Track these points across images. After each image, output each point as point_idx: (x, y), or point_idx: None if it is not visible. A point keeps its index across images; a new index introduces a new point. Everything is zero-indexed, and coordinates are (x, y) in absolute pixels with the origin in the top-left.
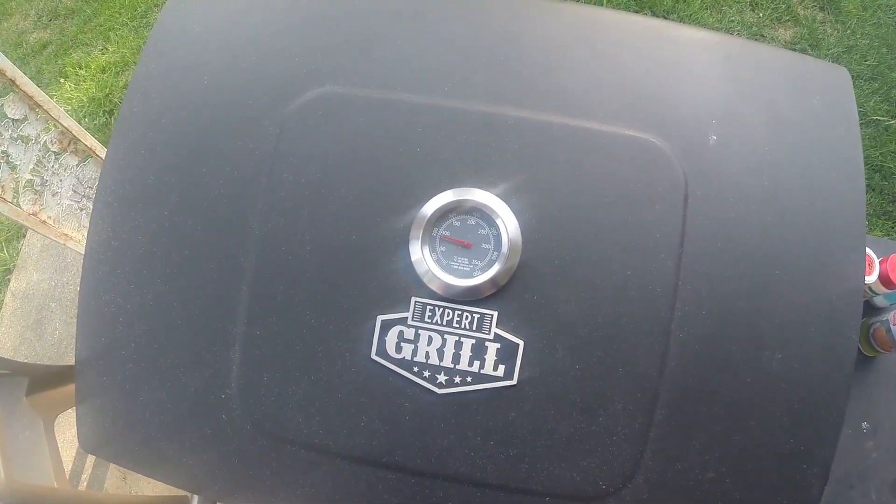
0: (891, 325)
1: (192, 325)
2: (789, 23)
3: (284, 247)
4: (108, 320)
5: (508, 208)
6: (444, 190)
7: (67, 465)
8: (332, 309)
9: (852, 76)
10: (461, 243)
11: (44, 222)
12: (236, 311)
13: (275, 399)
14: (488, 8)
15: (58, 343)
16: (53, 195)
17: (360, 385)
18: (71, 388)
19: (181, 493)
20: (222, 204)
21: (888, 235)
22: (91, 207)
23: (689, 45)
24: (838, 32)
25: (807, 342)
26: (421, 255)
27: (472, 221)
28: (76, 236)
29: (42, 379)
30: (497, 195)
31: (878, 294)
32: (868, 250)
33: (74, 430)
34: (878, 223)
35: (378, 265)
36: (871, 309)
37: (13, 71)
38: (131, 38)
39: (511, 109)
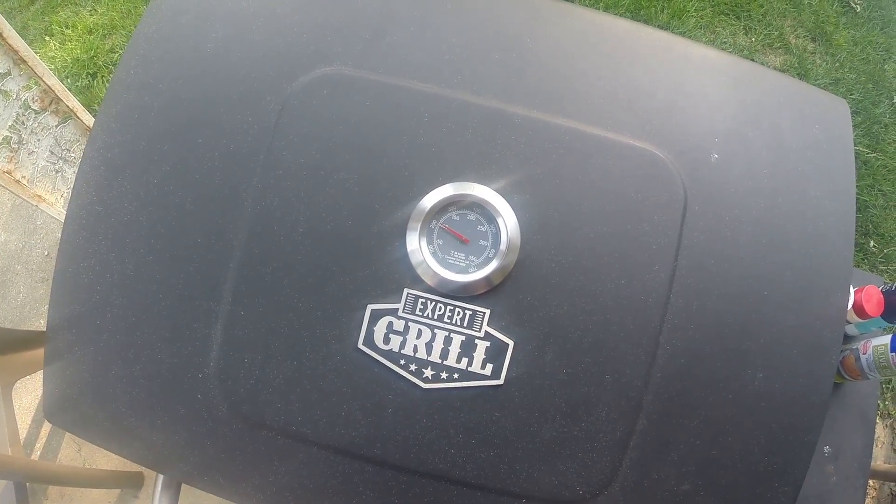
0: (860, 354)
1: (173, 299)
2: (780, 50)
3: (277, 226)
4: (85, 287)
5: (509, 206)
6: (446, 183)
7: (22, 433)
8: (321, 294)
9: None
10: (459, 237)
11: (17, 182)
12: (221, 289)
13: (254, 382)
14: (507, 5)
15: (21, 306)
16: (30, 154)
17: (344, 374)
18: (32, 354)
19: (136, 468)
20: (216, 177)
21: (859, 267)
22: (67, 171)
23: (700, 62)
24: (827, 64)
25: (789, 363)
26: (417, 247)
27: (471, 217)
28: (49, 198)
29: (2, 343)
30: (499, 192)
31: (850, 323)
32: None
33: (30, 398)
34: None
35: (372, 253)
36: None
37: (1, 23)
38: (121, 0)
39: (520, 108)
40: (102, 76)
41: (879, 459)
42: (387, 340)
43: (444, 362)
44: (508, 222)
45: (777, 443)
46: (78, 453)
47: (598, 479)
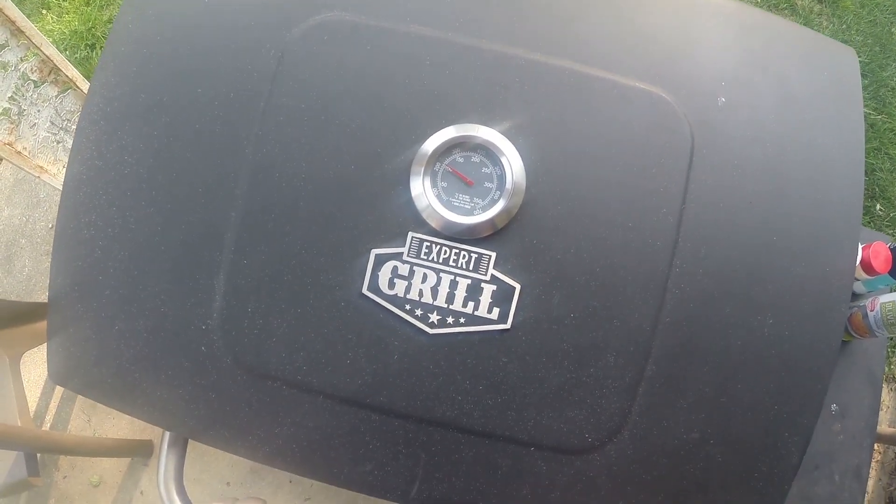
0: (868, 311)
1: (175, 251)
2: (786, 10)
3: (279, 174)
4: (87, 243)
5: (514, 148)
6: (450, 125)
7: (32, 406)
8: (324, 240)
9: None
10: (464, 179)
11: (19, 153)
12: (223, 238)
13: (258, 332)
14: None
15: (27, 280)
16: (31, 126)
17: (349, 321)
18: (39, 325)
19: (145, 436)
20: (216, 126)
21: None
22: (68, 141)
23: (706, 8)
24: (833, 26)
25: (798, 310)
26: (421, 190)
27: (476, 159)
28: (51, 169)
29: (9, 315)
30: (504, 134)
31: (858, 280)
32: None
33: (39, 370)
34: None
35: (376, 198)
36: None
37: None
38: None
39: (524, 51)
40: (101, 46)
41: (885, 423)
42: (391, 285)
43: (450, 306)
44: (513, 164)
45: (787, 391)
46: (88, 423)
47: (608, 426)
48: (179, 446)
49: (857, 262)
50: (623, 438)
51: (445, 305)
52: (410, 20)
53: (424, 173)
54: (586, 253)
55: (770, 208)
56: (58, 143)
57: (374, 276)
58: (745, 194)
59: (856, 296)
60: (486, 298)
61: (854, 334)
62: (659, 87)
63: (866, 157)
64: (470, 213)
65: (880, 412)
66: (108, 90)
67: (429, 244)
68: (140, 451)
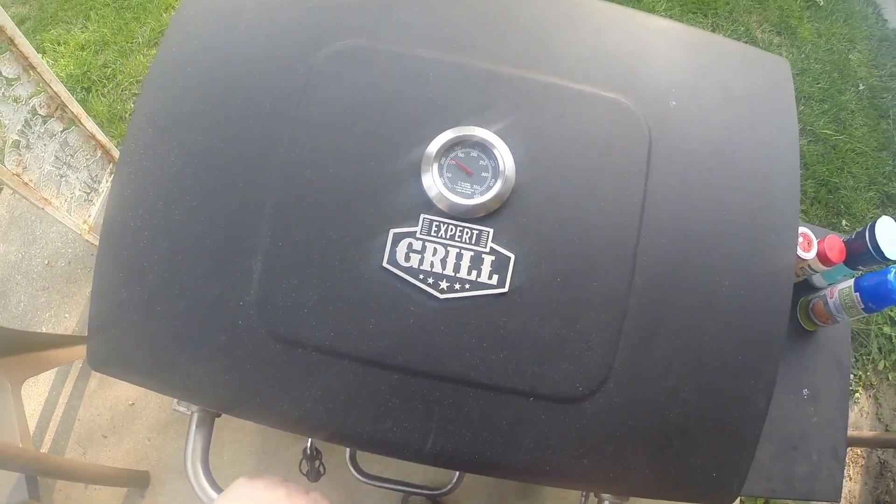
0: (828, 299)
1: (216, 237)
2: (747, 43)
3: (309, 170)
4: (133, 234)
5: (505, 144)
6: (452, 127)
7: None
8: (349, 224)
9: (804, 97)
10: (465, 169)
11: (26, 184)
12: (260, 225)
13: (291, 304)
14: None
15: (22, 315)
16: (37, 159)
17: (371, 291)
18: (40, 355)
19: (142, 467)
20: (253, 132)
21: None
22: (71, 176)
23: (657, 30)
24: (793, 56)
25: (750, 270)
26: (431, 179)
27: (474, 154)
28: (55, 202)
29: (12, 343)
30: (496, 133)
31: (816, 272)
32: (808, 231)
33: (34, 404)
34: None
35: (392, 187)
36: (810, 288)
37: (13, 30)
38: (112, 17)
39: (508, 68)
40: (97, 90)
41: (865, 428)
42: (407, 259)
43: (457, 275)
44: (505, 157)
45: (748, 341)
46: (83, 455)
47: (595, 376)
48: (206, 428)
49: (815, 253)
50: (609, 387)
51: (453, 274)
52: (415, 45)
53: (432, 166)
54: (567, 227)
55: (719, 186)
56: (61, 177)
57: (393, 252)
58: (697, 176)
59: (817, 289)
60: (486, 267)
61: (818, 323)
62: (621, 94)
63: (831, 177)
64: (471, 197)
65: (860, 418)
66: (155, 102)
67: (437, 223)
68: (137, 482)
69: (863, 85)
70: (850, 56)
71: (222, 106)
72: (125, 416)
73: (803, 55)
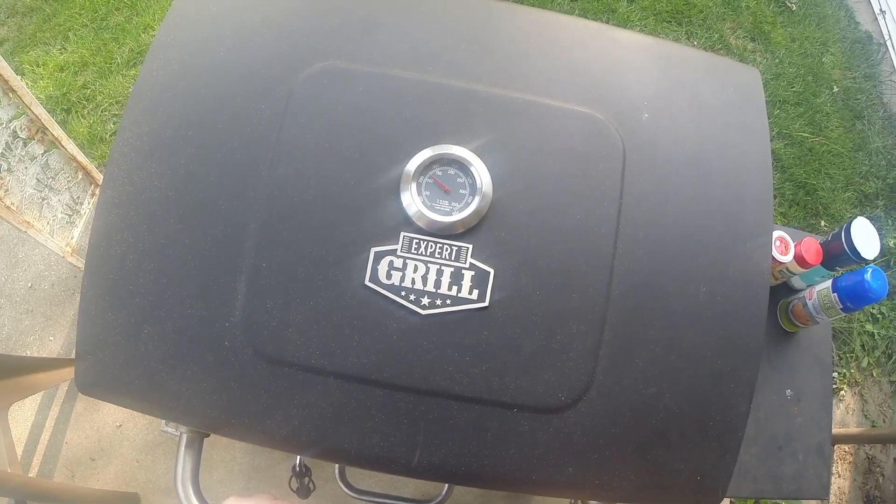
0: (807, 301)
1: (201, 259)
2: (722, 51)
3: (291, 190)
4: (119, 257)
5: (482, 161)
6: (430, 146)
7: None
8: (331, 243)
9: (780, 101)
10: (443, 187)
11: (8, 207)
12: (244, 246)
13: (276, 324)
14: (469, 7)
15: (6, 339)
16: (18, 182)
17: (355, 308)
18: (24, 379)
19: (132, 489)
20: (236, 155)
21: None
22: (52, 199)
23: (628, 43)
24: (767, 61)
25: (727, 275)
26: (410, 198)
27: (451, 171)
28: (37, 225)
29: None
30: (473, 151)
31: (794, 274)
32: (785, 235)
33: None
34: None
35: (373, 206)
36: (790, 290)
37: None
38: (91, 38)
39: (485, 86)
40: (77, 111)
41: (851, 424)
42: (389, 276)
43: (438, 291)
44: (482, 174)
45: (727, 347)
46: (72, 479)
47: (577, 386)
48: (195, 448)
49: (792, 256)
50: (591, 396)
51: (434, 290)
52: (393, 65)
53: (411, 185)
54: (545, 241)
55: (693, 195)
56: (43, 200)
57: (374, 270)
58: (671, 186)
59: (796, 291)
60: (466, 282)
61: (799, 324)
62: (594, 108)
63: (808, 179)
64: (449, 214)
65: (846, 415)
66: (137, 127)
67: (418, 241)
68: None
69: (837, 87)
70: (823, 59)
71: (204, 129)
72: (113, 439)
73: (777, 60)
